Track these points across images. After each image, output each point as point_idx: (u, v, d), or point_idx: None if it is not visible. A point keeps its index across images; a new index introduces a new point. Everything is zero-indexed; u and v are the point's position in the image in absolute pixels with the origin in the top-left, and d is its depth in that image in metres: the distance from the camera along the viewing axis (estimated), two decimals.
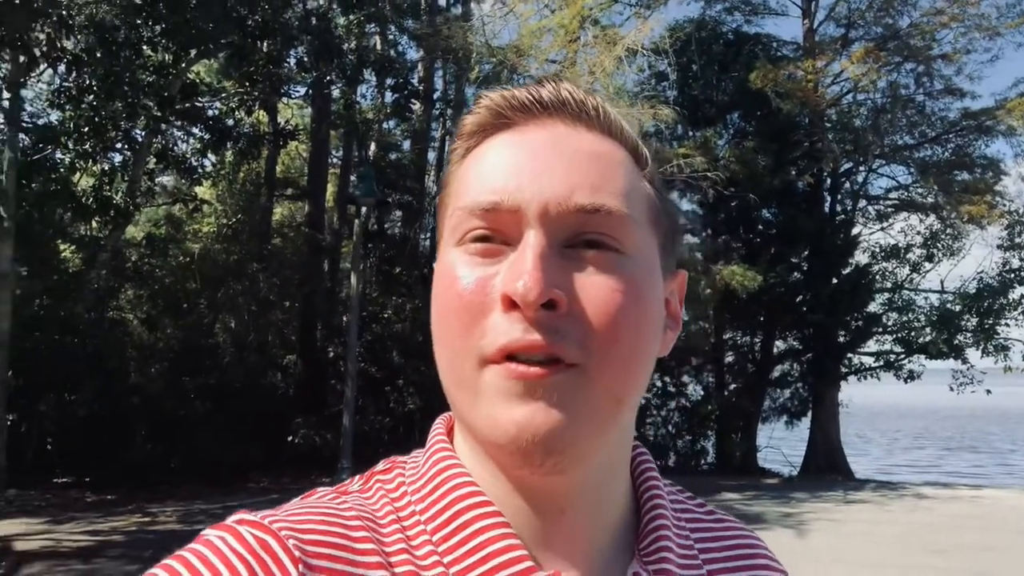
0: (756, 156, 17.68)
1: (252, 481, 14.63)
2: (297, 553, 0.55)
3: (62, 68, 12.82)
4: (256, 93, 15.08)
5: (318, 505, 0.61)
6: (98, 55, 12.17)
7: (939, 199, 18.93)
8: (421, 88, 18.66)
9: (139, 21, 12.54)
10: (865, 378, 20.34)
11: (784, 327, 20.14)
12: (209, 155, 16.03)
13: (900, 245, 20.08)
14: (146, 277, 16.27)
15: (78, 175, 14.01)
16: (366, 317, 16.49)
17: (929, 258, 19.90)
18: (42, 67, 13.17)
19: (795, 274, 19.64)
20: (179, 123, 15.37)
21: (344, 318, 16.90)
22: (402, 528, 0.61)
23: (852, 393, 20.68)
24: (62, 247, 15.27)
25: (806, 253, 19.50)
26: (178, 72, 13.72)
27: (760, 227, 20.14)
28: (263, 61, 14.52)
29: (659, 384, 20.04)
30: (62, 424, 14.65)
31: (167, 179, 18.21)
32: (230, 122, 15.20)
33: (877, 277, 19.96)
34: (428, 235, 18.57)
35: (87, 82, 12.53)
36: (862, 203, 20.77)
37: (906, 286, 20.20)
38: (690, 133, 18.75)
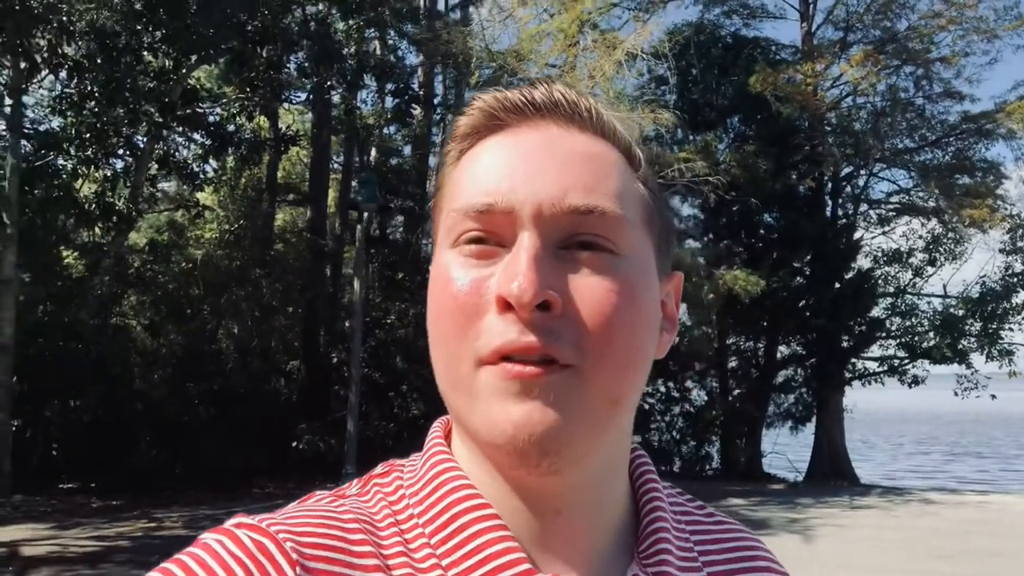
0: (757, 160, 17.69)
1: (257, 487, 14.63)
2: (294, 556, 0.55)
3: (63, 74, 12.88)
4: (257, 99, 15.12)
5: (315, 508, 0.61)
6: (99, 61, 12.22)
7: (940, 203, 18.91)
8: (421, 93, 18.69)
9: (140, 27, 12.58)
10: (869, 383, 20.31)
11: (787, 332, 20.12)
12: (210, 161, 16.08)
13: (902, 249, 20.07)
14: (149, 283, 16.31)
15: (80, 181, 14.05)
16: (369, 322, 16.50)
17: (931, 262, 19.87)
18: (43, 73, 13.22)
19: (798, 279, 19.64)
20: (180, 129, 15.42)
21: (347, 323, 16.92)
22: (400, 531, 0.61)
23: (856, 398, 20.66)
24: (65, 253, 15.31)
25: (808, 257, 19.49)
26: (179, 78, 13.76)
27: (762, 231, 20.15)
28: (263, 67, 14.56)
29: (663, 389, 20.04)
30: (66, 430, 14.69)
31: (169, 185, 18.27)
32: (231, 128, 15.25)
33: (880, 281, 19.93)
34: (430, 240, 18.49)
35: (88, 88, 12.58)
36: (863, 207, 20.78)
37: (909, 290, 20.18)
38: (690, 137, 18.76)
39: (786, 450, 20.25)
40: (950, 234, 19.56)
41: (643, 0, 18.20)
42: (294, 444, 16.16)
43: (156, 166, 14.90)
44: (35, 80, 13.56)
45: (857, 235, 19.99)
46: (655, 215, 0.65)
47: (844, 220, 20.14)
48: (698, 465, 19.81)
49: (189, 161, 15.58)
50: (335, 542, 0.58)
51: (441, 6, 19.70)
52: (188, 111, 14.53)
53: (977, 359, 19.16)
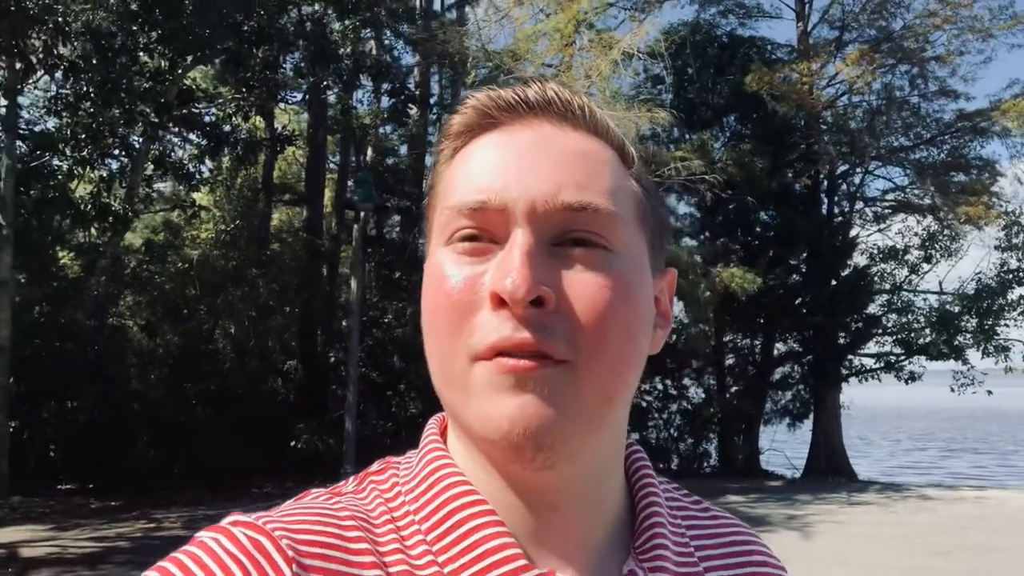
0: (753, 159, 17.72)
1: (255, 487, 14.62)
2: (291, 553, 0.55)
3: (59, 75, 12.86)
4: (253, 99, 15.10)
5: (312, 506, 0.61)
6: (95, 61, 12.19)
7: (936, 200, 18.96)
8: (417, 93, 18.69)
9: (135, 27, 12.55)
10: (866, 380, 20.35)
11: (784, 329, 20.15)
12: (206, 161, 16.05)
13: (898, 246, 20.11)
14: (145, 283, 16.29)
15: (76, 182, 14.02)
16: (366, 322, 16.50)
17: (927, 259, 19.92)
18: (39, 74, 13.18)
19: (794, 276, 19.66)
20: (176, 129, 15.40)
21: (344, 323, 16.90)
22: (396, 528, 0.61)
23: (853, 395, 20.68)
24: (61, 254, 15.28)
25: (804, 255, 19.53)
26: (175, 78, 13.73)
27: (758, 229, 20.17)
28: (259, 67, 14.54)
29: (660, 387, 20.05)
30: (64, 431, 14.67)
31: (165, 185, 18.23)
32: (227, 128, 15.22)
33: (876, 279, 19.97)
34: (425, 238, 18.55)
35: (84, 89, 12.56)
36: (859, 205, 20.83)
37: (905, 287, 20.22)
38: (687, 136, 18.78)
39: (784, 447, 20.29)
40: (945, 231, 19.62)
41: (639, 0, 18.23)
42: (292, 444, 16.16)
43: (152, 166, 14.87)
44: (30, 81, 13.53)
45: (853, 232, 20.04)
46: (648, 212, 0.65)
47: (840, 218, 20.17)
48: (696, 462, 19.83)
49: (185, 161, 15.56)
50: (331, 539, 0.58)
51: (437, 6, 19.72)
52: (184, 111, 14.52)
53: (973, 355, 19.24)
